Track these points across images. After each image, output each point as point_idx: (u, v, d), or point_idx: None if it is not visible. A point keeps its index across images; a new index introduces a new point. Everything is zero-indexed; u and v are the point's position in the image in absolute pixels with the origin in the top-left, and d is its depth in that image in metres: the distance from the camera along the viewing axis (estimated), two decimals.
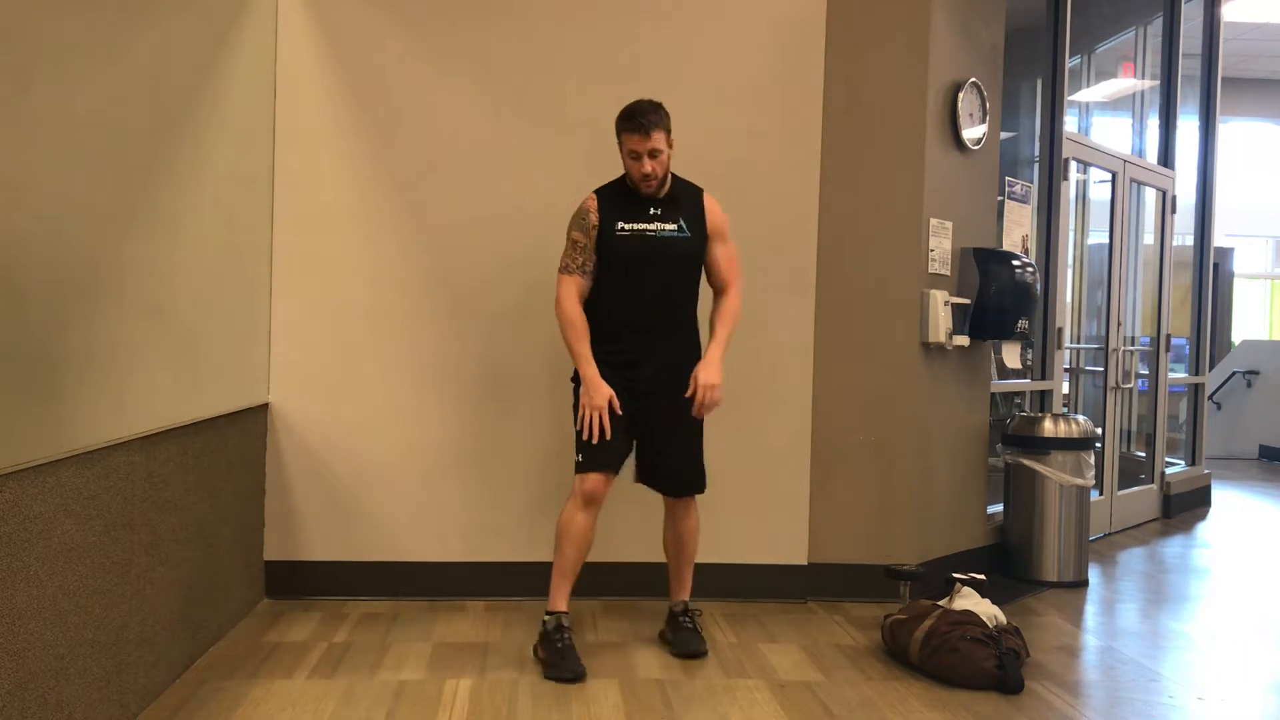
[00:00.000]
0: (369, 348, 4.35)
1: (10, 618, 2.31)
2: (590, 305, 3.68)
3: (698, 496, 3.81)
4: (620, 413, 3.59)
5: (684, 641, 3.76)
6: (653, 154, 3.56)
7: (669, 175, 3.70)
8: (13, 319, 2.42)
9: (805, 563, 4.50)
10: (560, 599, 3.60)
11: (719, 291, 3.77)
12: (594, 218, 3.65)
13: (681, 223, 3.67)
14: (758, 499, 4.46)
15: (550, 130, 4.39)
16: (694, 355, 3.75)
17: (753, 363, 4.42)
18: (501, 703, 3.24)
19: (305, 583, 4.31)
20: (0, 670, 2.28)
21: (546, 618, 3.59)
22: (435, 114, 4.35)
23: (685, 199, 3.71)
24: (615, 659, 3.69)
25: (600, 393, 3.57)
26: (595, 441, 3.56)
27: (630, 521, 4.24)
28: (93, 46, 2.75)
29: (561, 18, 4.39)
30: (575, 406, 3.69)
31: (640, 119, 3.56)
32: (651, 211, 3.65)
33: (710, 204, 3.75)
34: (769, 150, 4.45)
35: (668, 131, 3.60)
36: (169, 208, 3.26)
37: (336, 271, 4.32)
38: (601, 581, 4.39)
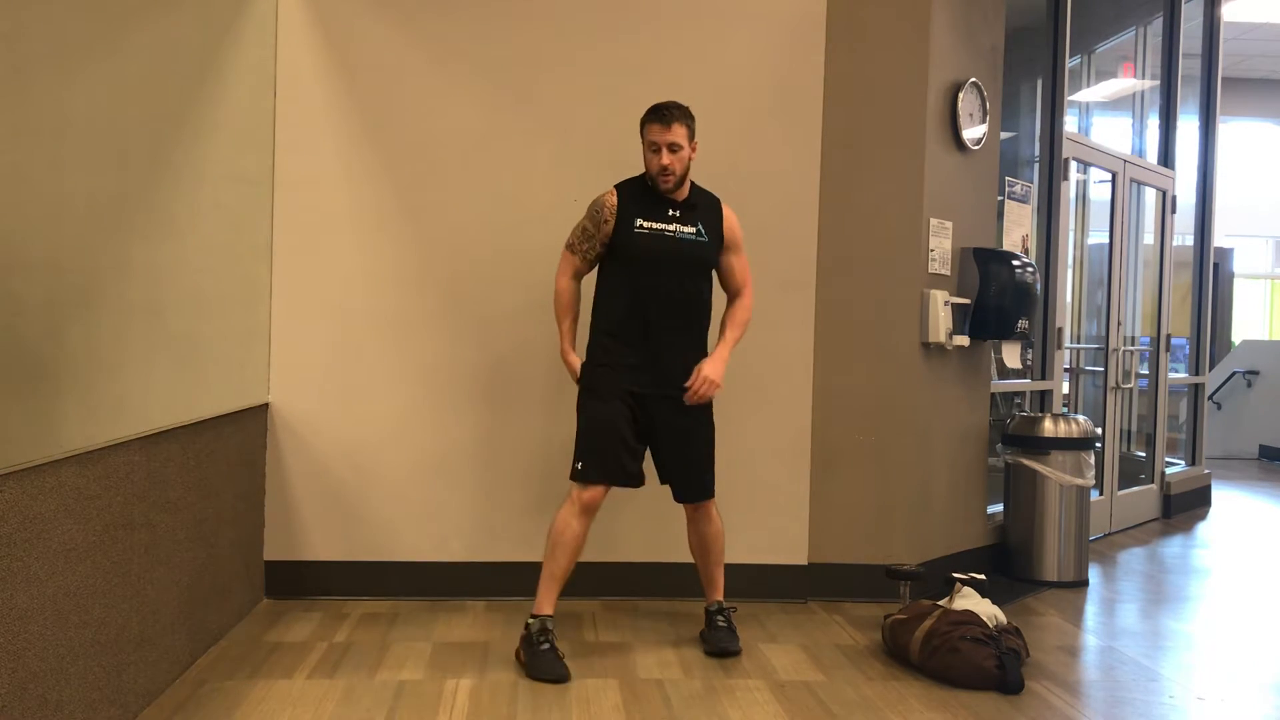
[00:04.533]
0: (369, 348, 4.35)
1: (10, 618, 2.31)
2: (604, 300, 3.73)
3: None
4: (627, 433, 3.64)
5: (715, 640, 3.78)
6: (672, 148, 3.57)
7: (689, 181, 3.72)
8: (13, 319, 2.42)
9: (805, 563, 4.50)
10: (547, 603, 3.59)
11: (733, 297, 3.83)
12: (608, 213, 3.66)
13: (700, 227, 3.69)
14: (758, 499, 4.46)
15: (551, 130, 4.39)
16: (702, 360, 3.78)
17: (753, 362, 4.42)
18: (501, 703, 3.24)
19: (305, 583, 4.31)
20: (0, 670, 2.28)
21: (531, 621, 3.57)
22: (436, 114, 4.35)
23: (704, 206, 3.74)
24: (615, 659, 3.69)
25: (571, 368, 3.75)
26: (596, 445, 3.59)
27: (631, 522, 4.25)
28: (93, 47, 2.75)
29: (562, 17, 4.39)
30: (579, 409, 3.70)
31: (663, 110, 3.61)
32: (670, 212, 3.67)
33: (729, 215, 3.78)
34: (769, 150, 4.45)
35: (690, 131, 3.63)
36: (169, 208, 3.26)
37: (336, 271, 4.32)
38: (601, 581, 4.39)
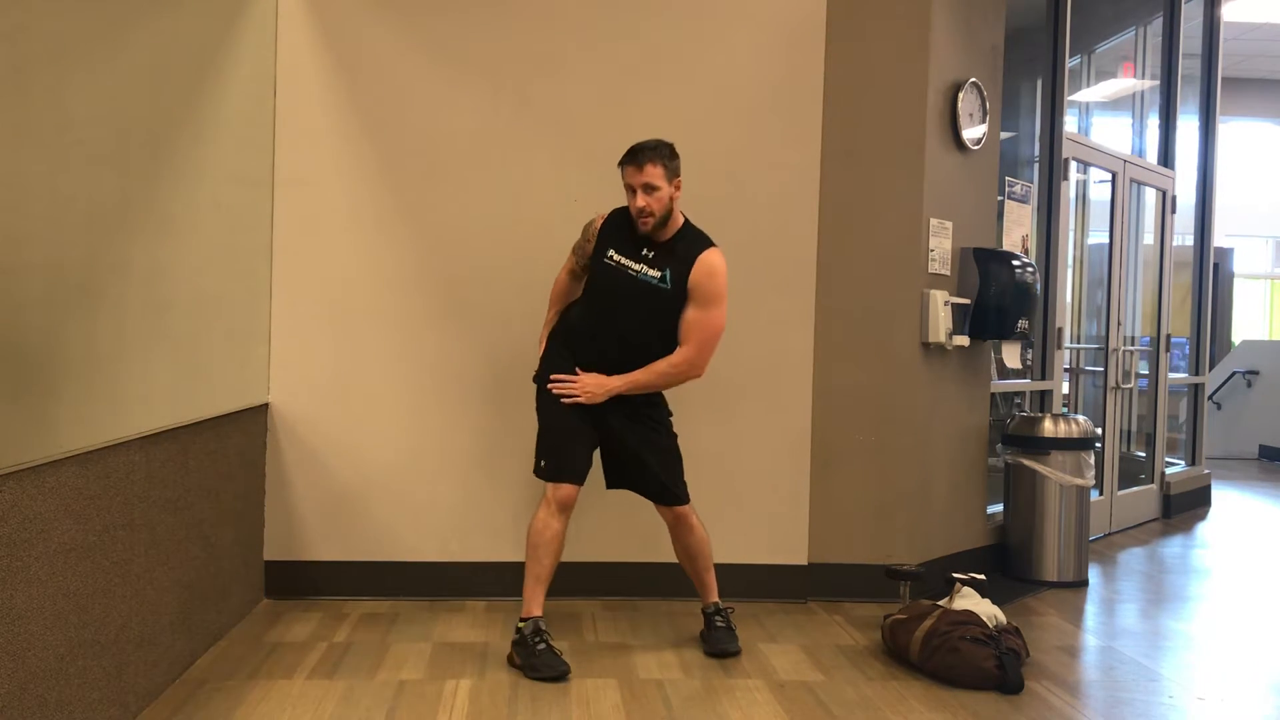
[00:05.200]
0: (369, 348, 4.35)
1: (10, 618, 2.31)
2: (574, 307, 3.77)
3: (695, 503, 3.82)
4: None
5: (715, 640, 3.78)
6: (647, 189, 3.50)
7: (681, 223, 3.64)
8: (13, 319, 2.42)
9: (805, 563, 4.50)
10: (536, 604, 3.57)
11: (677, 347, 3.62)
12: (590, 235, 3.71)
13: (667, 272, 3.58)
14: (758, 499, 4.46)
15: (550, 129, 4.39)
16: (656, 399, 3.78)
17: (753, 363, 4.42)
18: (501, 703, 3.24)
19: (305, 583, 4.31)
20: (0, 670, 2.28)
21: (523, 624, 3.55)
22: (435, 114, 4.35)
23: (682, 253, 3.59)
24: (615, 659, 3.69)
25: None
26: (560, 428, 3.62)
27: (630, 522, 4.24)
28: (93, 46, 2.75)
29: (562, 17, 4.39)
30: (538, 408, 3.72)
31: (637, 151, 3.52)
32: (644, 252, 3.61)
33: (704, 264, 3.57)
34: (769, 150, 4.45)
35: (668, 170, 3.52)
36: (169, 208, 3.26)
37: (336, 271, 4.32)
38: (602, 581, 4.39)
